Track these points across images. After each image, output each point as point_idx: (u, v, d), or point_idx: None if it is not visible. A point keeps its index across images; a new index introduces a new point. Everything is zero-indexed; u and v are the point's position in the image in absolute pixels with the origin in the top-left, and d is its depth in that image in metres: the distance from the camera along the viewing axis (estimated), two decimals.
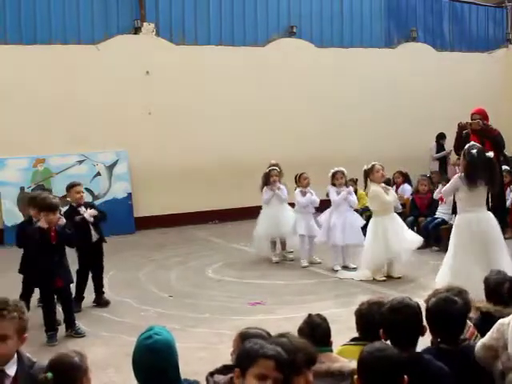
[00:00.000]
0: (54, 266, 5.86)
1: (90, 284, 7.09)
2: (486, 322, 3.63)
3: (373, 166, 7.74)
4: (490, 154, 6.35)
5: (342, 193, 8.19)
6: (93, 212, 6.81)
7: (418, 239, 7.79)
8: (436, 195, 9.18)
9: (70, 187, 7.02)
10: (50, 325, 5.86)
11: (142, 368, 2.73)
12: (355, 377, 2.69)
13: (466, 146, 6.34)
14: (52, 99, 11.49)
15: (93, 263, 7.05)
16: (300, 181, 8.75)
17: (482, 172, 6.10)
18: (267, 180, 8.88)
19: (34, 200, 6.37)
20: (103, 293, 7.11)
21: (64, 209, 6.98)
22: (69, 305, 6.07)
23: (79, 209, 6.86)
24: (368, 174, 7.74)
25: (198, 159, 12.55)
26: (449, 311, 3.18)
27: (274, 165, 9.01)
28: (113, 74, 11.99)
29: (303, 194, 8.62)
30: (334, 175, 8.27)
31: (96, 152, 11.93)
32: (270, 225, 8.83)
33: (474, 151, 6.13)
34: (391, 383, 2.61)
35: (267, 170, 8.97)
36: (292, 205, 8.97)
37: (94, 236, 6.94)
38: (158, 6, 12.64)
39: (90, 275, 7.09)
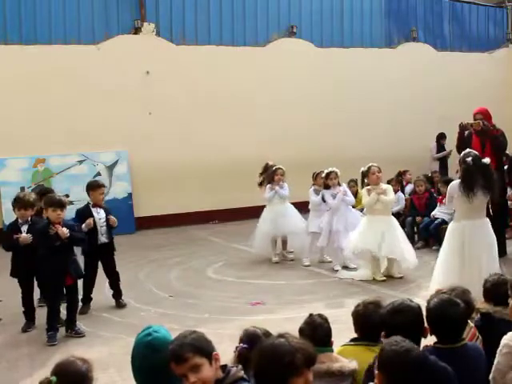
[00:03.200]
0: (66, 264, 5.86)
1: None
2: (486, 323, 3.64)
3: (369, 167, 7.78)
4: (486, 160, 6.35)
5: (338, 195, 8.16)
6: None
7: (413, 260, 7.52)
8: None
9: (97, 187, 6.90)
10: (52, 324, 5.84)
11: (141, 366, 2.73)
12: (376, 372, 2.67)
13: (462, 154, 6.41)
14: (52, 99, 11.49)
15: (105, 267, 6.92)
16: (317, 179, 8.71)
17: (479, 179, 6.11)
18: (272, 178, 8.82)
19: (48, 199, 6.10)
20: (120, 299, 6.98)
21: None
22: (74, 303, 6.06)
23: (93, 209, 6.78)
24: (365, 175, 7.81)
25: (198, 159, 12.55)
26: (450, 313, 3.16)
27: (272, 165, 8.98)
28: (113, 74, 12.00)
29: (317, 192, 8.59)
30: (327, 176, 8.25)
31: (96, 152, 11.94)
32: (273, 223, 8.79)
33: (469, 159, 6.17)
34: (414, 382, 2.62)
35: (273, 169, 8.90)
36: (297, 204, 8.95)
37: (102, 239, 6.79)
38: (158, 6, 12.65)
39: (107, 282, 7.02)
